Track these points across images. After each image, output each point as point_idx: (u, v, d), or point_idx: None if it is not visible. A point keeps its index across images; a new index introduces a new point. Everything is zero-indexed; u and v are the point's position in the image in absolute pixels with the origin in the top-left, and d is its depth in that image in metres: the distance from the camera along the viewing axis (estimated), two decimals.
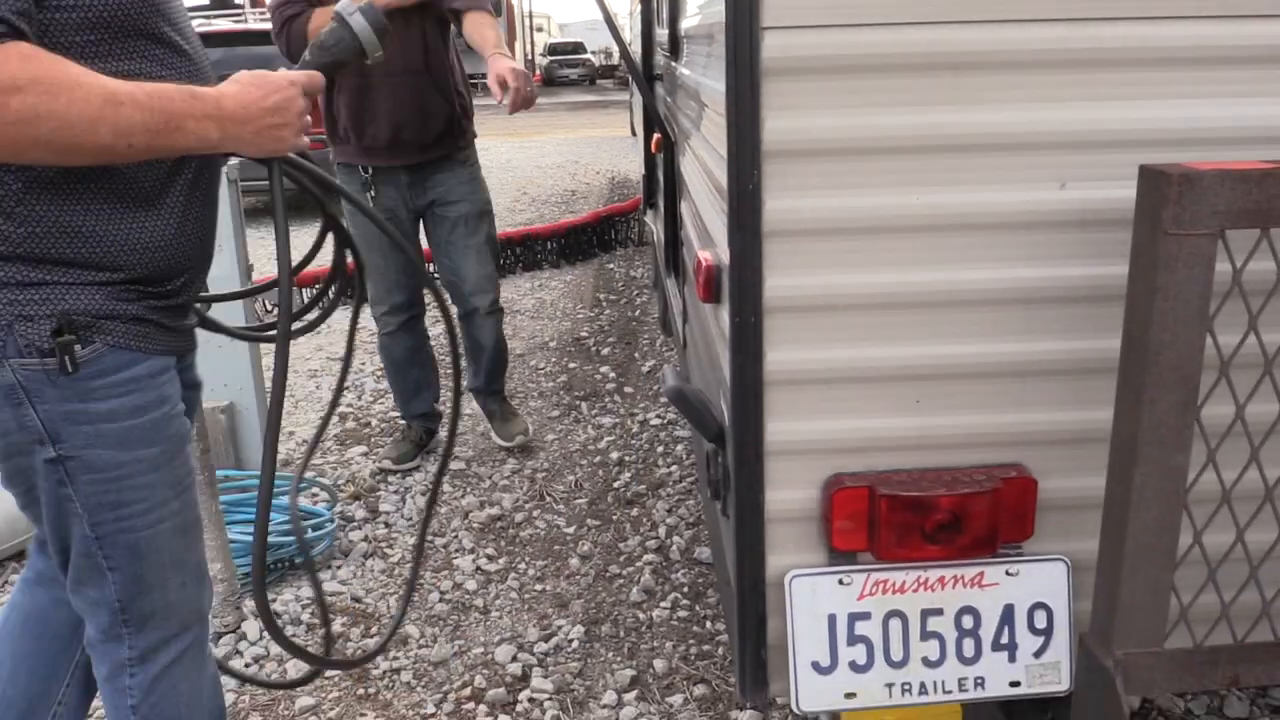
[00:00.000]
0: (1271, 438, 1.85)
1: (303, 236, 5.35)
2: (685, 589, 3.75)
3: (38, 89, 1.60)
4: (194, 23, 1.89)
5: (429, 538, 4.12)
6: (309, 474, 4.69)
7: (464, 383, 4.94)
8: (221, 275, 3.75)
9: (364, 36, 2.03)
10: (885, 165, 1.84)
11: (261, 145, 1.86)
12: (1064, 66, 1.85)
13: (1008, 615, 1.97)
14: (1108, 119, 1.88)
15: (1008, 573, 1.98)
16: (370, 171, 4.33)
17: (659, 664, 3.34)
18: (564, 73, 43.53)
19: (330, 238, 2.13)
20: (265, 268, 7.50)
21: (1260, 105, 1.88)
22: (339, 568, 4.08)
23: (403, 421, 4.97)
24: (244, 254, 3.98)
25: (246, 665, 3.41)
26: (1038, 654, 1.99)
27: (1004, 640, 1.98)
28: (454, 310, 4.85)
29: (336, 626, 3.58)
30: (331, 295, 2.19)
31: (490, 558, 4.06)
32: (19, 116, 1.59)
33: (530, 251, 9.16)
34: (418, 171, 4.43)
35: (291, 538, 3.88)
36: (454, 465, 4.84)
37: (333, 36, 2.03)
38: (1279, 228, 1.67)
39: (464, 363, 4.92)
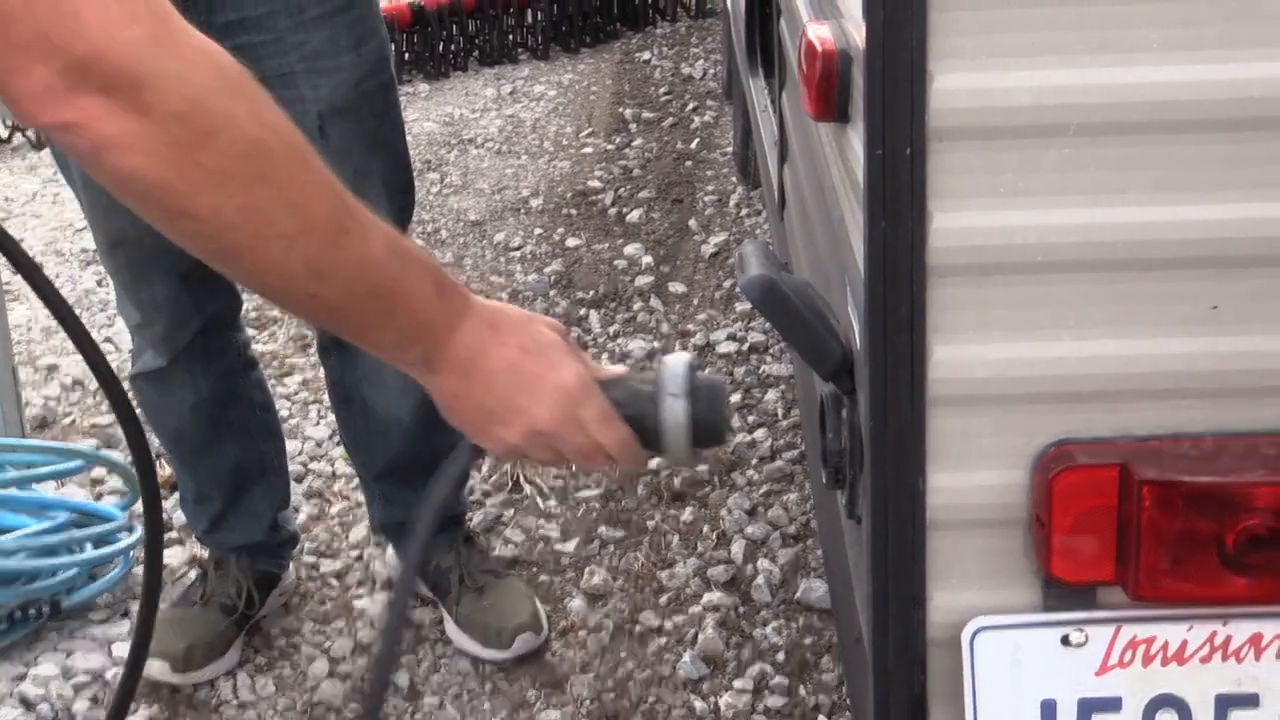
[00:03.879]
0: None
1: None
2: (780, 656, 2.83)
3: (250, 150, 1.27)
4: None
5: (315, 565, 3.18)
6: (83, 442, 3.62)
7: (374, 514, 3.01)
8: None
9: (672, 436, 1.56)
10: None
11: (475, 425, 1.52)
12: None
13: None
14: None
15: None
16: None
17: None
18: None
19: None
20: None
21: None
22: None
23: (204, 553, 2.98)
24: None
25: None
26: None
27: None
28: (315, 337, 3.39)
29: None
30: None
31: (424, 599, 2.99)
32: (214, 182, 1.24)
33: (494, 28, 6.47)
34: None
35: (36, 562, 2.91)
36: None
37: (630, 393, 1.59)
38: None
39: (347, 452, 3.13)
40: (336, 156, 2.48)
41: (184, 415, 2.68)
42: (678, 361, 1.59)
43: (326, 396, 3.61)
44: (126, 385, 3.06)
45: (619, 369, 1.59)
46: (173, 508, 3.24)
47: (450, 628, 2.84)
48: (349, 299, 1.38)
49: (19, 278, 1.64)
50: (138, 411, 1.76)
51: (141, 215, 1.27)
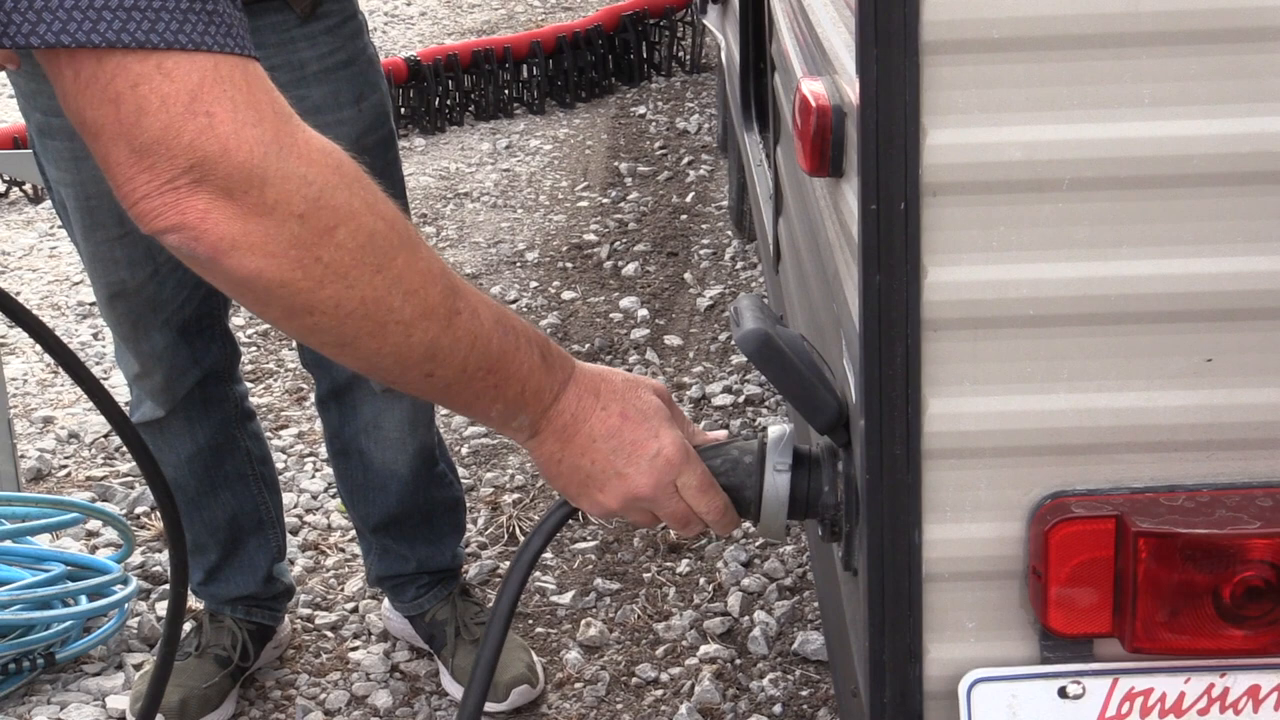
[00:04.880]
0: None
1: None
2: (777, 708, 2.80)
3: (368, 243, 1.27)
4: None
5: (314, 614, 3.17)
6: (78, 495, 3.64)
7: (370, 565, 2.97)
8: None
9: (770, 509, 1.58)
10: None
11: (573, 488, 1.52)
12: None
13: None
14: None
15: None
16: None
17: None
18: None
19: None
20: None
21: None
22: (139, 667, 2.95)
23: (198, 604, 2.92)
24: None
25: None
26: None
27: None
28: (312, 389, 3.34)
29: None
30: None
31: (420, 651, 3.00)
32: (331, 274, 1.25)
33: (489, 82, 6.43)
34: None
35: (30, 615, 2.87)
36: None
37: (730, 461, 1.61)
38: None
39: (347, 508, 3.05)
40: None
41: (181, 466, 2.67)
42: (780, 434, 1.60)
43: (323, 449, 3.61)
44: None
45: (720, 434, 1.61)
46: (169, 559, 3.23)
47: (446, 680, 2.81)
48: (462, 376, 1.39)
49: (15, 330, 1.63)
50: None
51: (259, 315, 1.27)
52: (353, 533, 3.19)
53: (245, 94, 1.17)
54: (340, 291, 1.26)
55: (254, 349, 4.34)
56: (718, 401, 3.89)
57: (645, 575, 3.19)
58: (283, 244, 1.21)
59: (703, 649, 2.93)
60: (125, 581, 2.98)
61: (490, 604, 3.02)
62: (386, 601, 2.97)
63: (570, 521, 2.59)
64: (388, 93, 2.58)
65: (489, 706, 2.75)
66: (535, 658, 2.84)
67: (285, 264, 1.22)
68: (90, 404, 3.90)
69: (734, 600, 3.06)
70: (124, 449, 3.73)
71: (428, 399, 1.45)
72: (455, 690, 2.80)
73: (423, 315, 1.32)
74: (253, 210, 1.18)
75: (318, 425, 3.76)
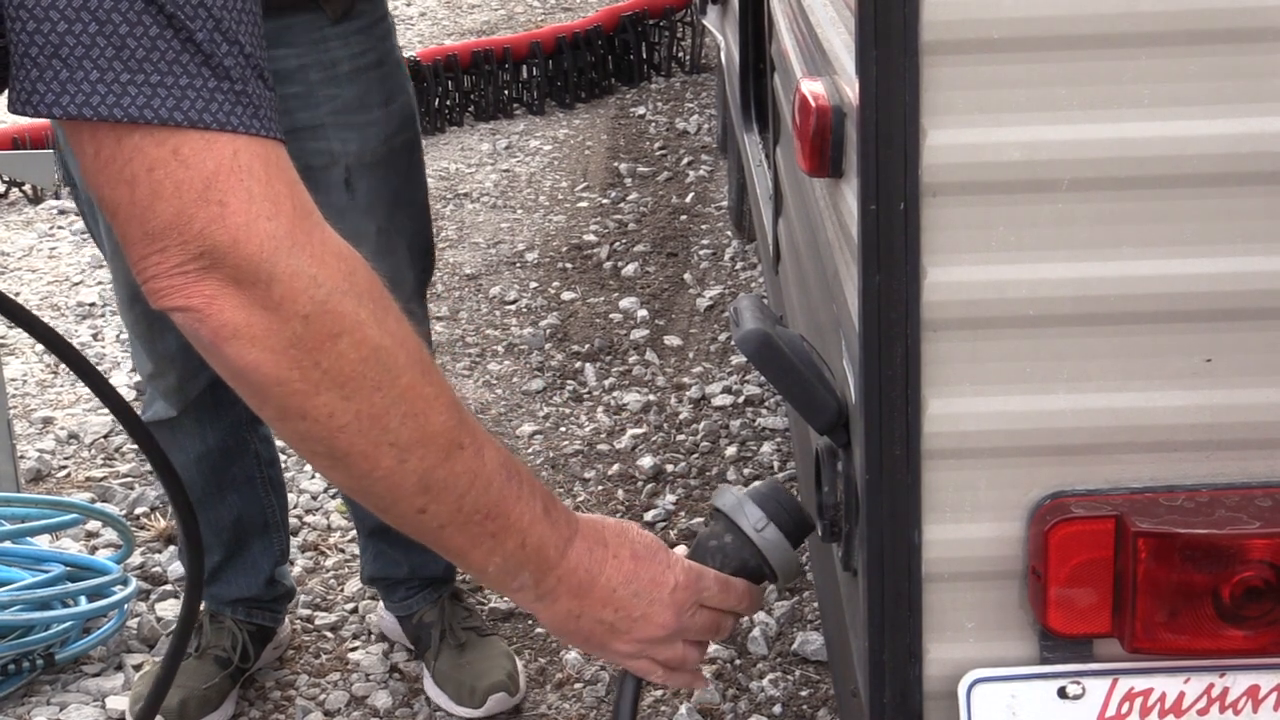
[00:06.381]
0: None
1: None
2: (777, 709, 2.79)
3: (371, 356, 1.24)
4: None
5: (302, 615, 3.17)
6: (78, 495, 3.62)
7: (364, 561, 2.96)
8: None
9: (779, 560, 1.62)
10: None
11: (597, 642, 1.50)
12: None
13: None
14: None
15: None
16: None
17: None
18: None
19: None
20: None
21: None
22: (139, 667, 2.94)
23: (205, 605, 2.87)
24: None
25: None
26: None
27: None
28: None
29: None
30: None
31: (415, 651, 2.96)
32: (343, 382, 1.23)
33: (489, 83, 6.40)
34: None
35: (30, 615, 2.86)
36: None
37: (716, 553, 1.64)
38: None
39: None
40: (362, 213, 2.49)
41: (189, 466, 2.68)
42: (733, 499, 1.61)
43: None
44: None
45: (683, 545, 1.61)
46: (168, 560, 3.22)
47: (427, 683, 2.81)
48: (458, 516, 1.35)
49: (14, 331, 1.62)
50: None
51: (255, 409, 1.26)
52: (352, 533, 3.19)
53: (264, 185, 1.15)
54: (336, 401, 1.23)
55: None
56: (717, 402, 3.88)
57: None
58: (283, 341, 1.19)
59: None
60: (125, 582, 2.98)
61: (484, 607, 3.02)
62: (382, 604, 2.97)
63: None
64: (414, 96, 2.61)
65: (466, 711, 2.78)
66: (519, 666, 2.82)
67: (284, 362, 1.21)
68: (90, 405, 3.92)
69: None
70: (124, 450, 3.74)
71: (422, 542, 1.40)
72: (434, 693, 2.79)
73: (420, 442, 1.28)
74: (258, 302, 1.17)
75: None
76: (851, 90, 1.41)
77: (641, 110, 6.47)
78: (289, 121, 2.43)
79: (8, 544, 3.00)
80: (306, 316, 1.19)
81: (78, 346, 4.67)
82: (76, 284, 4.84)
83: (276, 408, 1.24)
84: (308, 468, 3.67)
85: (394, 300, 1.26)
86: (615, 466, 3.57)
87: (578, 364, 4.16)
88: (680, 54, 6.91)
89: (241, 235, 1.13)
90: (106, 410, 1.81)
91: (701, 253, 4.88)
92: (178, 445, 2.67)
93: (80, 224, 5.36)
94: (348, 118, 2.46)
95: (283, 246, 1.16)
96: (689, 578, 1.48)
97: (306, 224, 1.17)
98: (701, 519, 3.34)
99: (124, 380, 4.12)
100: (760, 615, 2.97)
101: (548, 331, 4.36)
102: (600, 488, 3.52)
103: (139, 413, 2.75)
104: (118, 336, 4.44)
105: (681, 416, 3.81)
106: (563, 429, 3.81)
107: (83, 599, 2.91)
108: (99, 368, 4.29)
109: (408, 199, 2.59)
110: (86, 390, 1.92)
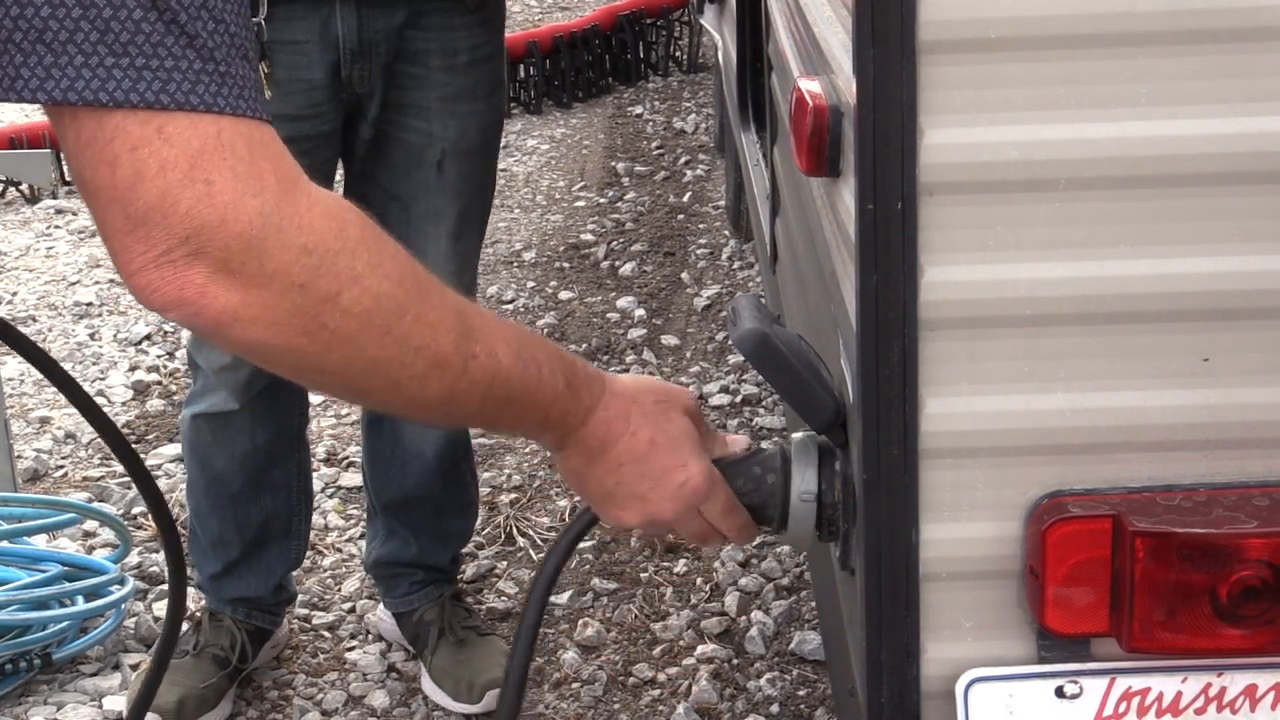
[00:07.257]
0: None
1: None
2: (774, 708, 2.79)
3: (374, 305, 1.24)
4: None
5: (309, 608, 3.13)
6: (75, 495, 3.63)
7: (370, 546, 2.97)
8: None
9: (799, 525, 1.59)
10: None
11: (594, 500, 1.54)
12: None
13: None
14: None
15: None
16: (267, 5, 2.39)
17: None
18: None
19: None
20: None
21: None
22: (136, 667, 2.91)
23: (199, 605, 2.89)
24: None
25: None
26: None
27: None
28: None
29: None
30: None
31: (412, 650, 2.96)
32: (350, 322, 1.22)
33: None
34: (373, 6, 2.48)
35: (27, 615, 2.85)
36: (348, 480, 3.62)
37: (753, 480, 1.62)
38: None
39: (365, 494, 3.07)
40: (447, 194, 2.64)
41: (233, 462, 2.69)
42: (805, 455, 1.60)
43: (323, 449, 3.60)
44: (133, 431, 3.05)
45: (742, 441, 1.62)
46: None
47: (424, 679, 2.81)
48: (483, 410, 1.39)
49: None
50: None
51: (269, 370, 1.28)
52: (350, 533, 3.19)
53: (248, 162, 1.14)
54: (349, 354, 1.25)
55: None
56: (715, 401, 3.89)
57: (642, 575, 3.19)
58: (284, 313, 1.19)
59: (700, 649, 2.93)
60: (122, 582, 2.98)
61: (482, 608, 3.03)
62: (381, 606, 2.97)
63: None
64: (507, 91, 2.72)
65: (463, 707, 2.77)
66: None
67: (290, 332, 1.21)
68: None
69: (731, 600, 3.06)
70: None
71: (448, 427, 1.43)
72: (430, 689, 2.80)
73: (436, 367, 1.31)
74: (251, 282, 1.16)
75: (319, 424, 3.75)
76: (849, 89, 1.41)
77: (639, 109, 6.48)
78: (398, 97, 2.54)
79: (5, 544, 3.00)
80: (303, 285, 1.19)
81: (75, 346, 4.62)
82: (74, 283, 4.83)
83: (292, 370, 1.26)
84: None
85: (386, 237, 1.27)
86: None
87: None
88: (677, 53, 6.94)
89: (229, 214, 1.12)
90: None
91: (699, 252, 4.89)
92: (227, 440, 2.68)
93: (77, 223, 5.35)
94: (455, 106, 2.56)
95: (270, 222, 1.15)
96: (702, 484, 1.51)
97: (293, 194, 1.16)
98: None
99: (122, 380, 4.13)
100: (758, 615, 2.99)
101: (545, 331, 4.37)
102: None
103: (185, 401, 2.77)
104: (115, 336, 4.44)
105: None
106: None
107: (80, 599, 2.91)
108: (96, 367, 4.34)
109: (485, 189, 2.71)
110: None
